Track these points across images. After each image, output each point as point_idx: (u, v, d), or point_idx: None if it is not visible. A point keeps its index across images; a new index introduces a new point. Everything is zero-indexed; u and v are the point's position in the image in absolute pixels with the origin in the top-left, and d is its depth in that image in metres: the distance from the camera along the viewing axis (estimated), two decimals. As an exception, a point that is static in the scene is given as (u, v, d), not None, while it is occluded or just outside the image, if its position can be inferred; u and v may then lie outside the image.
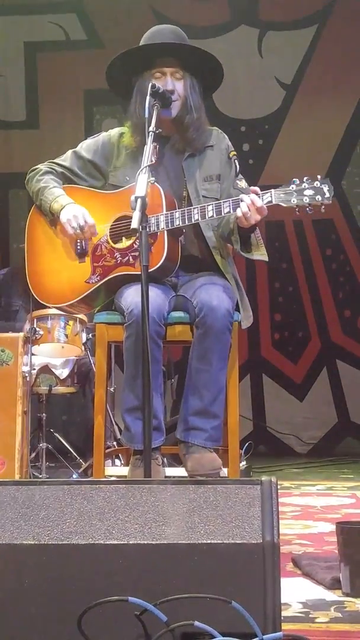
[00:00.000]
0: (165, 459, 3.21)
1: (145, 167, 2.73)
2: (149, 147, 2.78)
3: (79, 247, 3.08)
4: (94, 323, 3.22)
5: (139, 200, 2.63)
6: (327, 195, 2.75)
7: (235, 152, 3.16)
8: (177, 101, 3.04)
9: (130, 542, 1.76)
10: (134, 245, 2.97)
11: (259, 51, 6.85)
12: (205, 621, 1.64)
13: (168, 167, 3.09)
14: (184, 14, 6.56)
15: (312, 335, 6.87)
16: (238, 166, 3.12)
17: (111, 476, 3.09)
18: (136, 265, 2.95)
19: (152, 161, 2.78)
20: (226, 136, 3.20)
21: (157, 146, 2.89)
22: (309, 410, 6.78)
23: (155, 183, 2.87)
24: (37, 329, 4.67)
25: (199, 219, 2.89)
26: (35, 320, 4.71)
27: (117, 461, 4.45)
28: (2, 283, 5.61)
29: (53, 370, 4.91)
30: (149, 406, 2.61)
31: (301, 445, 6.69)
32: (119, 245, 3.03)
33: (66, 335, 4.85)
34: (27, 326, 4.72)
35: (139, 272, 2.68)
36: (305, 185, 2.77)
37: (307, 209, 2.78)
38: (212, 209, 2.87)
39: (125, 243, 3.02)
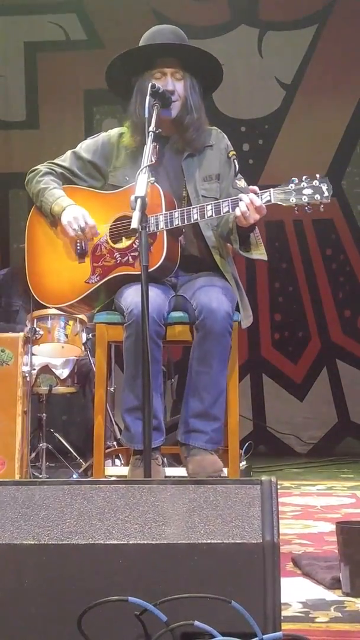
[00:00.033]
0: (165, 459, 3.21)
1: (145, 167, 2.73)
2: (149, 147, 2.78)
3: (78, 248, 3.08)
4: (94, 323, 3.22)
5: (138, 200, 2.63)
6: (326, 194, 2.76)
7: (234, 152, 3.16)
8: (177, 101, 3.05)
9: (130, 542, 1.76)
10: (134, 245, 2.97)
11: (259, 51, 6.85)
12: (205, 621, 1.64)
13: (168, 167, 3.09)
14: (184, 14, 6.56)
15: (312, 335, 6.87)
16: (237, 166, 3.12)
17: (111, 476, 3.09)
18: (136, 265, 2.96)
19: (152, 161, 2.78)
20: (225, 136, 3.20)
21: (157, 146, 2.89)
22: (309, 410, 6.78)
23: (155, 183, 2.87)
24: (37, 329, 4.67)
25: (198, 218, 2.89)
26: (35, 320, 4.71)
27: (117, 461, 4.45)
28: (2, 283, 5.61)
29: (53, 370, 4.91)
30: (149, 406, 2.61)
31: (301, 445, 6.69)
32: (118, 245, 3.03)
33: (66, 335, 4.85)
34: (27, 326, 4.72)
35: (139, 272, 2.69)
36: (304, 184, 2.77)
37: (306, 208, 2.78)
38: (211, 209, 2.87)
39: (125, 243, 3.03)
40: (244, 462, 4.81)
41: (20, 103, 7.07)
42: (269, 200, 2.81)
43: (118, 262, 3.02)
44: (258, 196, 2.81)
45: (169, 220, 2.89)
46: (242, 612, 1.64)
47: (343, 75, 6.69)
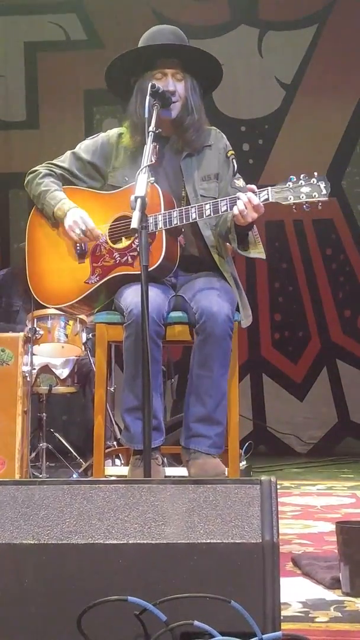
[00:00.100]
0: (165, 459, 3.21)
1: (145, 167, 2.73)
2: (149, 147, 2.79)
3: (78, 248, 3.09)
4: (94, 323, 3.22)
5: (138, 200, 2.63)
6: (324, 192, 2.76)
7: (233, 152, 3.16)
8: (178, 102, 3.05)
9: (130, 542, 1.76)
10: (133, 245, 2.97)
11: (259, 51, 6.85)
12: (205, 621, 1.64)
13: (167, 167, 3.10)
14: (184, 14, 6.56)
15: (312, 335, 6.88)
16: (236, 165, 3.13)
17: (111, 476, 3.09)
18: (135, 265, 2.96)
19: (152, 161, 2.78)
20: (224, 136, 3.21)
21: (157, 146, 2.89)
22: (309, 410, 6.78)
23: (154, 183, 2.87)
24: (37, 329, 4.67)
25: (197, 217, 2.90)
26: (35, 320, 4.71)
27: (117, 461, 4.46)
28: (2, 283, 5.61)
29: (53, 370, 4.91)
30: (149, 406, 2.61)
31: (301, 445, 6.69)
32: (118, 246, 3.03)
33: (66, 335, 4.85)
34: (27, 326, 4.73)
35: (138, 272, 2.69)
36: (302, 182, 2.77)
37: (305, 206, 2.79)
38: (210, 208, 2.88)
39: (124, 243, 3.03)
40: (244, 462, 4.81)
41: (20, 103, 7.08)
42: (267, 199, 2.82)
43: (117, 262, 3.02)
44: (256, 195, 2.81)
45: (167, 220, 2.89)
46: (241, 612, 1.65)
47: (343, 75, 6.69)
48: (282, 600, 1.76)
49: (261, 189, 2.83)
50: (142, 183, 2.69)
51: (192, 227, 3.04)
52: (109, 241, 3.05)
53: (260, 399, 6.84)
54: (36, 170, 3.20)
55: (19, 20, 6.99)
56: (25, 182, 3.22)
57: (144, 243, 2.64)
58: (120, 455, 4.33)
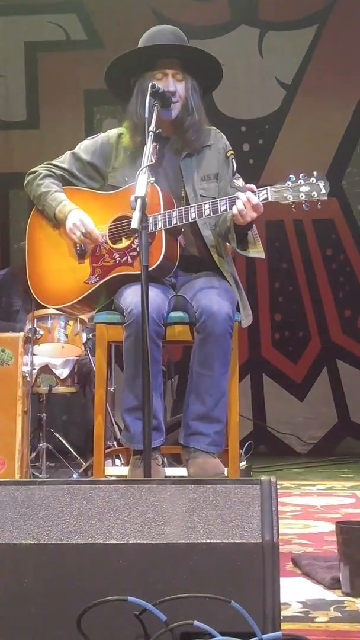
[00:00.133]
0: (165, 459, 3.21)
1: (145, 167, 2.73)
2: (149, 147, 2.79)
3: (78, 248, 3.09)
4: (94, 323, 3.22)
5: (139, 200, 2.63)
6: (323, 191, 2.77)
7: (232, 152, 3.17)
8: (178, 102, 3.05)
9: (130, 542, 1.76)
10: (132, 245, 2.97)
11: (259, 51, 6.85)
12: (205, 621, 1.64)
13: (167, 167, 3.10)
14: (184, 14, 6.56)
15: (312, 335, 6.88)
16: (235, 165, 3.13)
17: (111, 476, 3.09)
18: (134, 265, 2.96)
19: (152, 161, 2.78)
20: (223, 135, 3.21)
21: (157, 146, 2.89)
22: (309, 410, 6.78)
23: (154, 183, 2.87)
24: (37, 329, 4.67)
25: (196, 217, 2.90)
26: (35, 320, 4.71)
27: (117, 461, 4.46)
28: (2, 283, 5.61)
29: (53, 370, 4.91)
30: (149, 406, 2.61)
31: (301, 445, 6.69)
32: (117, 246, 3.03)
33: (66, 335, 4.85)
34: (27, 326, 4.72)
35: (138, 272, 2.69)
36: (301, 181, 2.78)
37: (304, 205, 2.79)
38: (209, 207, 2.88)
39: (124, 243, 3.03)
40: (244, 462, 4.81)
41: (20, 103, 7.08)
42: (266, 198, 2.82)
43: (117, 262, 3.02)
44: (255, 194, 2.82)
45: (167, 220, 2.89)
46: (241, 612, 1.65)
47: (343, 75, 6.69)
48: (282, 601, 1.76)
49: (260, 189, 2.83)
50: (142, 183, 2.69)
51: (191, 227, 3.04)
52: (108, 241, 3.05)
53: (260, 399, 6.84)
54: (36, 171, 3.20)
55: (19, 20, 6.99)
56: (25, 182, 3.22)
57: (144, 243, 2.64)
58: (120, 455, 4.34)
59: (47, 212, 3.12)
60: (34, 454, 4.85)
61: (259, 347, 6.85)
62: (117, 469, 3.58)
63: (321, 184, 2.77)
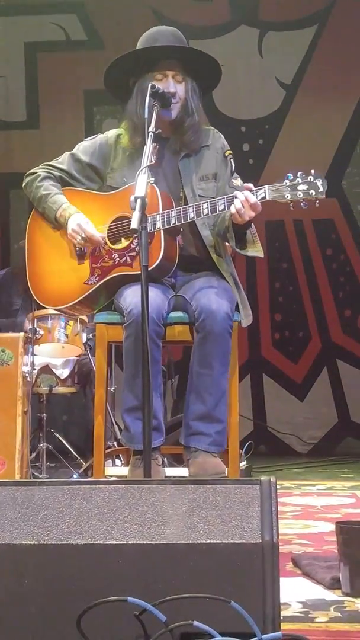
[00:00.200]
0: (165, 459, 3.21)
1: (145, 167, 2.73)
2: (149, 147, 2.79)
3: (78, 249, 3.09)
4: (94, 323, 3.22)
5: (138, 201, 2.63)
6: (321, 189, 2.77)
7: (231, 152, 3.17)
8: (178, 103, 3.05)
9: (130, 542, 1.76)
10: (132, 245, 2.97)
11: (259, 51, 6.85)
12: (205, 621, 1.64)
13: (166, 168, 3.10)
14: (184, 14, 6.56)
15: (312, 335, 6.88)
16: (234, 165, 3.13)
17: (111, 476, 3.09)
18: (134, 265, 2.96)
19: (151, 161, 2.78)
20: (222, 135, 3.21)
21: (157, 146, 2.90)
22: (310, 410, 6.78)
23: (153, 184, 2.88)
24: (38, 329, 4.67)
25: (195, 217, 2.90)
26: (35, 320, 4.71)
27: (117, 461, 4.46)
28: (2, 282, 5.61)
29: (53, 370, 4.91)
30: (149, 406, 2.61)
31: (302, 445, 6.69)
32: (117, 246, 3.04)
33: (66, 335, 4.85)
34: (27, 325, 4.72)
35: (137, 272, 2.69)
36: (299, 180, 2.78)
37: (302, 203, 2.79)
38: (207, 207, 2.88)
39: (123, 243, 3.03)
40: (244, 462, 4.81)
41: (20, 103, 7.08)
42: (264, 197, 2.82)
43: (116, 262, 3.02)
44: (253, 193, 2.82)
45: (165, 220, 2.89)
46: (241, 612, 1.65)
47: (343, 75, 6.69)
48: (282, 601, 1.76)
49: (258, 188, 2.84)
50: (142, 183, 2.69)
51: (190, 227, 3.04)
52: (108, 242, 3.05)
53: (260, 399, 6.84)
54: (35, 173, 3.20)
55: (20, 21, 6.99)
56: (24, 184, 3.22)
57: (144, 243, 2.64)
58: (120, 455, 4.34)
59: (48, 215, 3.13)
60: (34, 454, 4.85)
61: (259, 347, 6.86)
62: (117, 469, 3.58)
63: (319, 182, 2.77)
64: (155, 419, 2.81)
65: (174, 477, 2.94)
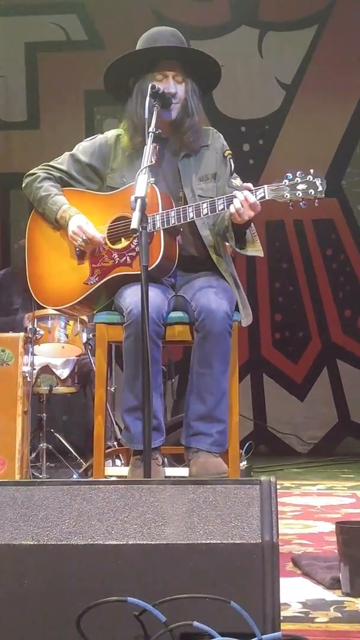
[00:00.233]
0: (165, 459, 3.21)
1: (145, 167, 2.73)
2: (149, 148, 2.79)
3: (78, 250, 3.09)
4: (94, 323, 3.22)
5: (138, 201, 2.63)
6: (320, 188, 2.78)
7: (230, 152, 3.17)
8: (178, 104, 3.05)
9: (130, 543, 1.77)
10: (131, 245, 2.98)
11: (259, 51, 6.85)
12: (204, 621, 1.64)
13: (165, 168, 3.10)
14: (184, 14, 6.56)
15: (312, 335, 6.88)
16: (233, 165, 3.14)
17: (111, 476, 3.09)
18: (133, 265, 2.96)
19: (152, 162, 2.78)
20: (221, 135, 3.22)
21: (157, 147, 2.90)
22: (310, 410, 6.79)
23: (153, 184, 2.88)
24: (38, 329, 4.67)
25: (194, 216, 2.90)
26: (35, 320, 4.71)
27: (117, 461, 4.45)
28: (2, 281, 5.61)
29: (53, 370, 4.91)
30: (149, 406, 2.61)
31: (302, 445, 6.69)
32: (117, 246, 3.04)
33: (66, 335, 4.85)
34: (28, 325, 4.72)
35: (137, 272, 2.69)
36: (298, 179, 2.79)
37: (301, 203, 2.80)
38: (207, 207, 2.89)
39: (123, 244, 3.03)
40: (244, 462, 4.81)
41: (20, 103, 7.08)
42: (263, 197, 2.83)
43: (116, 262, 3.02)
44: (252, 193, 2.82)
45: (165, 220, 2.89)
46: (241, 613, 1.65)
47: (343, 75, 6.69)
48: (281, 601, 1.76)
49: (257, 187, 2.84)
50: (142, 184, 2.69)
51: (190, 227, 3.05)
52: (107, 242, 3.05)
53: (260, 399, 6.84)
54: (34, 174, 3.20)
55: (20, 21, 6.99)
56: (24, 185, 3.22)
57: (144, 243, 2.64)
58: (120, 455, 4.34)
59: (48, 216, 3.13)
60: (34, 454, 4.85)
61: (259, 347, 6.86)
62: (117, 469, 3.58)
63: (318, 182, 2.78)
64: (155, 419, 2.81)
65: (174, 477, 2.94)
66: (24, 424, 4.20)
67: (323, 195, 2.78)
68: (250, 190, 2.83)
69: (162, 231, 2.91)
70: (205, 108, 3.17)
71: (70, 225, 3.06)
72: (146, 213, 2.71)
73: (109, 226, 3.06)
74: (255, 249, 3.02)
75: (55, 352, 4.86)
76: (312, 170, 2.80)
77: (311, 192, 2.78)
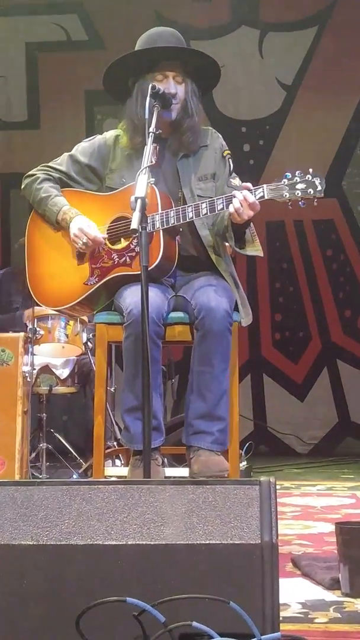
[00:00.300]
0: (165, 459, 3.21)
1: (145, 167, 2.74)
2: (149, 148, 2.79)
3: (77, 251, 3.09)
4: (94, 323, 3.22)
5: (138, 201, 2.63)
6: (319, 188, 2.79)
7: (229, 151, 3.17)
8: (178, 104, 3.05)
9: (129, 543, 1.77)
10: (131, 245, 2.98)
11: (260, 52, 6.85)
12: (204, 622, 1.64)
13: (165, 168, 3.10)
14: (185, 15, 6.56)
15: (312, 336, 6.88)
16: (232, 165, 3.14)
17: (111, 476, 3.09)
18: (133, 265, 2.96)
19: (152, 162, 2.78)
20: (220, 135, 3.22)
21: (157, 147, 2.90)
22: (310, 410, 6.79)
23: (152, 184, 2.88)
24: (38, 329, 4.67)
25: (193, 216, 2.91)
26: (35, 320, 4.71)
27: (117, 461, 4.45)
28: (2, 281, 5.60)
29: (53, 370, 4.91)
30: (149, 406, 2.61)
31: (302, 445, 6.69)
32: (116, 246, 3.04)
33: (66, 335, 4.85)
34: (27, 321, 4.72)
35: (137, 272, 2.70)
36: (297, 179, 2.80)
37: (300, 202, 2.80)
38: (206, 207, 2.89)
39: (123, 244, 3.03)
40: (244, 462, 4.81)
41: (21, 103, 7.08)
42: (263, 196, 2.83)
43: (116, 263, 3.03)
44: (251, 192, 2.82)
45: (164, 220, 2.89)
46: (240, 613, 1.65)
47: (343, 75, 6.69)
48: (281, 601, 1.76)
49: (257, 187, 2.85)
50: (142, 184, 2.69)
51: (189, 227, 3.05)
52: (107, 242, 3.05)
53: (260, 399, 6.84)
54: (34, 175, 3.20)
55: (20, 21, 6.99)
56: (23, 186, 3.22)
57: (144, 243, 2.64)
58: (120, 455, 4.33)
59: (49, 217, 3.13)
60: (34, 454, 4.85)
61: (259, 347, 6.86)
62: (117, 470, 3.58)
63: (317, 181, 2.79)
64: (155, 419, 2.81)
65: (174, 477, 2.94)
66: (23, 424, 4.20)
67: (322, 194, 2.78)
68: (249, 189, 2.83)
69: (161, 231, 2.91)
70: (205, 108, 3.17)
71: (71, 228, 3.06)
72: (146, 213, 2.71)
73: (109, 226, 3.06)
74: (255, 249, 3.02)
75: (55, 352, 4.86)
76: (311, 170, 2.80)
77: (310, 192, 2.78)
